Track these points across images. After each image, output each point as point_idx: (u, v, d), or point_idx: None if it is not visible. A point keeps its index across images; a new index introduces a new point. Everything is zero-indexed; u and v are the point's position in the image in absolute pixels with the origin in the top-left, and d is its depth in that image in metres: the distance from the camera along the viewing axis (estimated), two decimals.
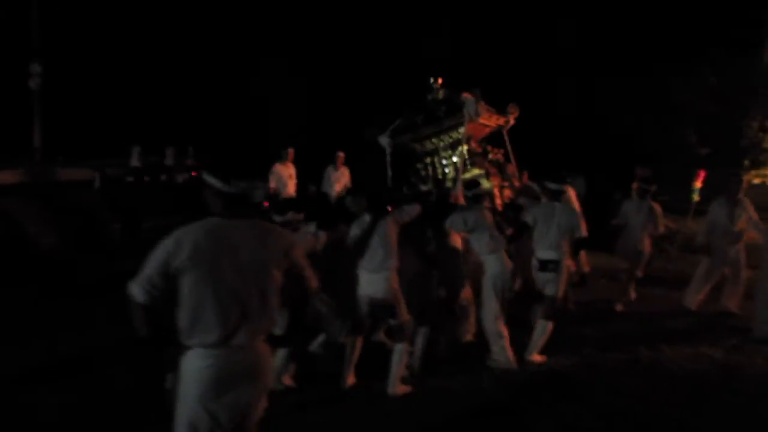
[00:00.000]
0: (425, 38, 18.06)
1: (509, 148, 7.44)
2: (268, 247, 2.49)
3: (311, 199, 7.21)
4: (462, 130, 6.89)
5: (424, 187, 7.16)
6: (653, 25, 16.69)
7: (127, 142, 12.73)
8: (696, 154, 14.02)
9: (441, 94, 7.16)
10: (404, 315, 4.47)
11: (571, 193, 7.59)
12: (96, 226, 9.31)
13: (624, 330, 6.41)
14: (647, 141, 14.45)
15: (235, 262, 2.39)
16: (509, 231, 5.68)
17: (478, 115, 6.63)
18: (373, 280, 4.37)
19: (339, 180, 10.73)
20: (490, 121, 7.10)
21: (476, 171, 6.73)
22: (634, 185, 16.31)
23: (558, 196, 5.53)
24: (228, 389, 2.39)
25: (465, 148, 6.94)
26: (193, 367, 2.40)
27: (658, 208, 7.98)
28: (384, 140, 7.24)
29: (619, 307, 7.24)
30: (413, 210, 4.74)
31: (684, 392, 4.61)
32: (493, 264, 5.13)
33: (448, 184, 7.02)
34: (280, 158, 10.50)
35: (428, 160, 7.45)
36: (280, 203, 4.34)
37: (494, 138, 7.70)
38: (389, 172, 7.21)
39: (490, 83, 7.24)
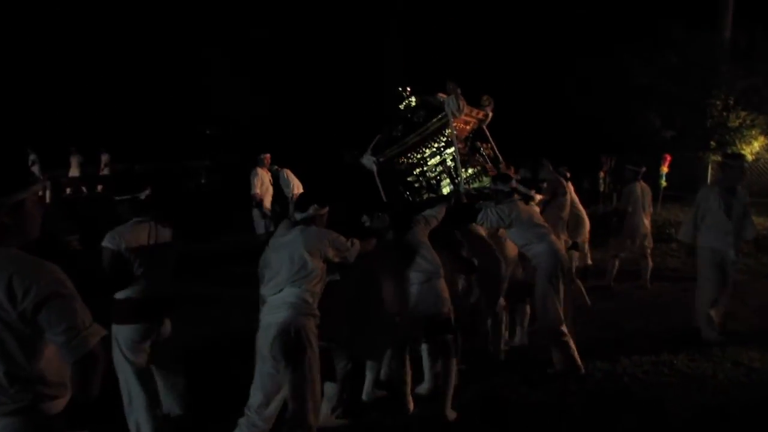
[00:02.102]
0: (376, 40, 17.52)
1: (493, 142, 6.78)
2: None
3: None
4: (448, 131, 6.22)
5: (420, 197, 6.55)
6: (613, 4, 16.36)
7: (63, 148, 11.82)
8: (661, 138, 13.54)
9: (415, 100, 6.48)
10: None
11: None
12: (49, 238, 8.72)
13: (583, 335, 5.72)
14: (612, 127, 13.96)
15: None
16: None
17: (460, 110, 5.91)
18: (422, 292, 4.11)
19: (288, 184, 10.33)
20: (471, 116, 6.39)
21: (471, 170, 6.21)
22: (602, 173, 15.72)
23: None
24: None
25: (453, 149, 6.30)
26: None
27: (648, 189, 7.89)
28: (368, 160, 6.49)
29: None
30: (440, 212, 4.62)
31: (636, 414, 4.04)
32: (545, 251, 4.80)
33: (444, 189, 6.39)
34: (259, 163, 10.13)
35: (417, 171, 6.74)
36: (300, 198, 3.65)
37: (475, 134, 7.06)
38: (381, 191, 6.52)
39: (456, 75, 6.49)
